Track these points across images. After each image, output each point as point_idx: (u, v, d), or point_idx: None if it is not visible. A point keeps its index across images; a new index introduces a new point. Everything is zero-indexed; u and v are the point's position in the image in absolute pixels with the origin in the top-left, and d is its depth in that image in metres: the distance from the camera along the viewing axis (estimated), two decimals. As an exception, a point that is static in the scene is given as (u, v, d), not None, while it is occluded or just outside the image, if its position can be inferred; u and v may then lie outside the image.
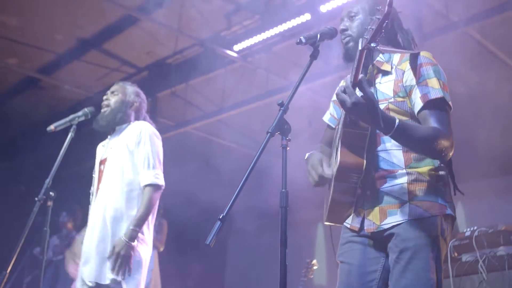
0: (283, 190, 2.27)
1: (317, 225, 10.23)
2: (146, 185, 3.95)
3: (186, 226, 9.31)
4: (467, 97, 7.96)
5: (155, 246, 7.66)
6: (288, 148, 2.36)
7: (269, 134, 2.32)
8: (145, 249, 3.94)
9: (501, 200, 8.77)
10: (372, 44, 2.31)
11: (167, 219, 8.34)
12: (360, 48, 2.31)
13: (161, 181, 4.00)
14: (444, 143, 2.45)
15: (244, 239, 10.84)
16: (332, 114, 3.05)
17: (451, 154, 2.51)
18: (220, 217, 2.13)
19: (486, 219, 5.80)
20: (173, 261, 8.76)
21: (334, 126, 2.99)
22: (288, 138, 2.36)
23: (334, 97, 3.03)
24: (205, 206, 8.04)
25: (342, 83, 3.02)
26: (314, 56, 2.61)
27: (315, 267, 6.58)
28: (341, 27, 2.79)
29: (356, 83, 2.33)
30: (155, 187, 3.95)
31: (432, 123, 2.50)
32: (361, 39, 2.33)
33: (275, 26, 7.39)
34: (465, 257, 4.67)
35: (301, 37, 2.56)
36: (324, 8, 6.80)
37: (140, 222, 3.82)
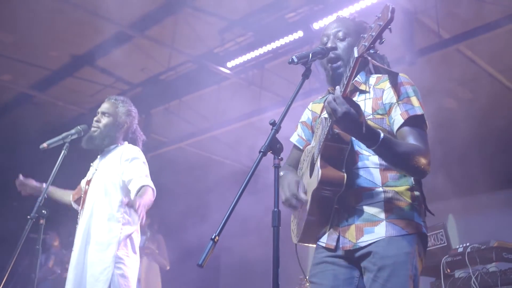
0: (275, 209, 2.26)
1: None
2: (143, 186, 3.88)
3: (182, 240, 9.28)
4: (459, 113, 8.02)
5: (162, 265, 7.68)
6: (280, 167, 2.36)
7: (261, 153, 2.32)
8: (131, 264, 3.92)
9: (492, 216, 8.78)
10: (371, 51, 2.32)
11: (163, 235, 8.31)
12: (356, 55, 2.29)
13: (154, 190, 3.96)
14: (424, 160, 2.47)
15: (236, 256, 10.80)
16: (300, 135, 3.04)
17: (428, 171, 2.52)
18: (212, 237, 2.12)
19: (478, 235, 5.80)
20: (171, 273, 8.70)
21: (301, 147, 3.00)
22: (280, 157, 2.36)
23: (303, 118, 3.07)
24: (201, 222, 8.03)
25: (310, 106, 3.05)
26: (306, 75, 2.60)
27: (307, 284, 6.55)
28: (329, 44, 2.77)
29: (345, 96, 2.33)
30: (152, 190, 3.91)
31: (412, 140, 2.52)
32: (355, 47, 2.30)
33: (268, 43, 7.43)
34: (458, 273, 4.67)
35: (293, 57, 2.56)
36: (316, 26, 6.85)
37: (140, 199, 3.66)
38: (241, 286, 11.31)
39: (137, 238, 4.04)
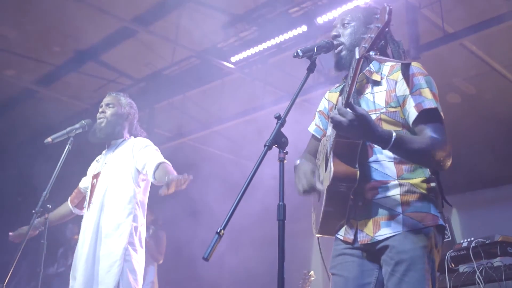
0: (280, 203, 2.26)
1: (313, 235, 10.17)
2: (160, 163, 3.88)
3: (184, 238, 9.29)
4: (463, 108, 8.01)
5: (155, 258, 7.62)
6: (285, 161, 2.35)
7: (266, 147, 2.31)
8: (138, 258, 3.93)
9: (496, 210, 8.78)
10: (371, 53, 2.32)
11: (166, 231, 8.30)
12: (357, 56, 2.28)
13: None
14: (442, 152, 2.46)
15: (241, 251, 10.81)
16: (317, 125, 3.04)
17: (449, 163, 2.50)
18: (218, 230, 2.12)
19: (482, 229, 5.80)
20: (170, 273, 8.71)
21: (319, 137, 3.00)
22: (286, 151, 2.35)
23: (320, 107, 3.05)
24: (203, 217, 8.04)
25: (327, 95, 3.04)
26: (311, 69, 2.60)
27: (312, 278, 6.56)
28: (333, 33, 2.78)
29: (348, 103, 2.32)
30: (170, 165, 3.91)
31: (429, 132, 2.50)
32: (357, 48, 2.30)
33: (272, 38, 7.41)
34: (463, 268, 4.67)
35: (298, 50, 2.56)
36: (320, 20, 6.83)
37: (172, 177, 3.58)
38: (245, 282, 11.33)
39: (144, 232, 4.05)
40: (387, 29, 2.19)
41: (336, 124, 2.36)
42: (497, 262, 4.45)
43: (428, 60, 6.59)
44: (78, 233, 6.71)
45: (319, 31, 6.89)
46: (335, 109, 2.39)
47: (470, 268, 4.53)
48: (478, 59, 7.39)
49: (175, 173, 3.78)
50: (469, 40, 6.90)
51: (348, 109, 2.32)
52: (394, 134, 2.38)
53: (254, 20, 7.49)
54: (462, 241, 4.74)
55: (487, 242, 4.50)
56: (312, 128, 3.07)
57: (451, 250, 4.71)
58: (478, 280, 4.31)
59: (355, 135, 2.40)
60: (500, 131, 8.16)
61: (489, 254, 4.49)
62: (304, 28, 7.08)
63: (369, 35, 2.25)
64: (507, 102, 8.06)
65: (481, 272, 4.34)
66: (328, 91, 3.08)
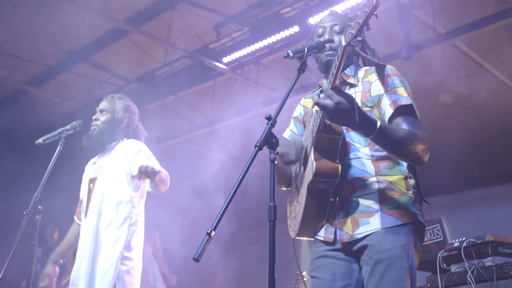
0: (271, 203, 2.25)
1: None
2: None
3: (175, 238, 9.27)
4: (455, 107, 8.03)
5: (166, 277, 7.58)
6: (276, 162, 2.35)
7: (257, 147, 2.30)
8: (136, 262, 3.94)
9: (487, 210, 8.81)
10: (358, 38, 2.33)
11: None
12: (344, 43, 2.26)
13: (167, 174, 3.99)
14: (421, 145, 2.46)
15: (232, 252, 10.80)
16: (292, 131, 3.04)
17: (427, 157, 2.50)
18: (208, 231, 2.12)
19: (473, 229, 5.82)
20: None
21: None
22: (276, 152, 2.35)
23: (295, 114, 3.07)
24: (195, 217, 8.03)
25: (302, 101, 3.05)
26: (301, 69, 2.59)
27: (305, 279, 6.55)
28: (327, 36, 2.78)
29: (334, 87, 2.31)
30: (164, 173, 3.94)
31: (407, 126, 2.51)
32: (343, 35, 2.28)
33: (264, 38, 7.42)
34: (454, 268, 4.68)
35: (289, 51, 2.55)
36: (312, 21, 6.84)
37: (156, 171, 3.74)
38: (236, 283, 11.32)
39: (141, 236, 4.05)
40: (375, 12, 2.14)
41: (322, 107, 2.32)
42: (488, 262, 4.46)
43: (419, 60, 6.61)
44: (56, 233, 6.63)
45: (311, 32, 6.89)
46: (321, 93, 2.37)
47: (462, 268, 4.54)
48: (470, 59, 7.42)
49: (168, 181, 3.90)
50: (460, 40, 6.92)
51: (334, 92, 2.30)
52: (379, 122, 2.38)
53: (246, 20, 7.50)
54: (453, 241, 4.75)
55: (478, 242, 4.51)
56: (287, 134, 3.06)
57: (443, 250, 4.72)
58: (470, 280, 4.33)
59: (340, 119, 2.35)
60: (491, 131, 8.18)
61: (481, 254, 4.50)
62: (296, 28, 7.09)
63: (356, 21, 2.21)
64: (498, 102, 8.08)
65: (473, 272, 4.35)
66: (303, 98, 3.10)
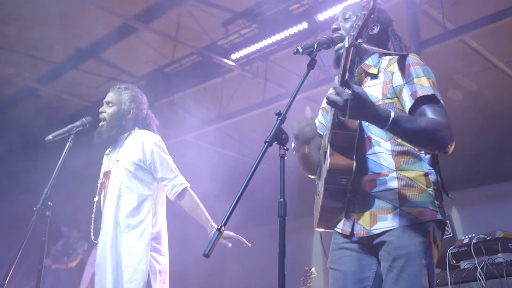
0: (281, 199, 2.25)
1: (313, 232, 10.18)
2: (186, 188, 3.99)
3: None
4: (464, 104, 8.00)
5: None
6: (286, 158, 2.34)
7: (266, 143, 2.30)
8: (162, 259, 3.91)
9: (497, 207, 8.78)
10: (359, 41, 2.30)
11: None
12: (346, 45, 2.28)
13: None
14: (444, 133, 2.41)
15: (241, 248, 10.83)
16: (320, 122, 3.02)
17: (452, 147, 2.44)
18: (218, 227, 2.12)
19: (483, 226, 5.80)
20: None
21: (322, 134, 2.96)
22: (286, 148, 2.34)
23: (323, 104, 3.04)
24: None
25: (331, 90, 3.04)
26: (311, 65, 2.59)
27: (313, 275, 6.56)
28: (334, 26, 2.78)
29: (344, 82, 2.30)
30: (189, 189, 4.01)
31: (430, 115, 2.46)
32: (347, 37, 2.31)
33: (272, 35, 7.42)
34: (464, 265, 4.66)
35: (298, 47, 2.54)
36: (321, 17, 6.84)
37: (207, 218, 3.97)
38: (246, 278, 11.33)
39: (165, 230, 4.02)
40: (372, 15, 2.17)
41: (332, 104, 2.32)
42: (498, 258, 4.44)
43: (428, 56, 6.59)
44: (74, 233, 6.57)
45: (320, 28, 6.89)
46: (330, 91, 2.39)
47: (471, 265, 4.53)
48: (479, 56, 7.39)
49: (198, 201, 4.02)
50: (470, 37, 6.89)
51: (344, 88, 2.29)
52: (392, 113, 2.34)
53: (254, 17, 7.49)
54: (463, 238, 4.74)
55: (488, 238, 4.50)
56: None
57: (452, 247, 4.70)
58: (480, 277, 4.31)
59: (351, 114, 2.31)
60: (501, 127, 8.15)
61: (491, 251, 4.48)
62: (304, 25, 7.08)
63: (356, 23, 2.25)
64: (508, 98, 8.06)
65: (482, 269, 4.34)
66: (331, 88, 3.08)
